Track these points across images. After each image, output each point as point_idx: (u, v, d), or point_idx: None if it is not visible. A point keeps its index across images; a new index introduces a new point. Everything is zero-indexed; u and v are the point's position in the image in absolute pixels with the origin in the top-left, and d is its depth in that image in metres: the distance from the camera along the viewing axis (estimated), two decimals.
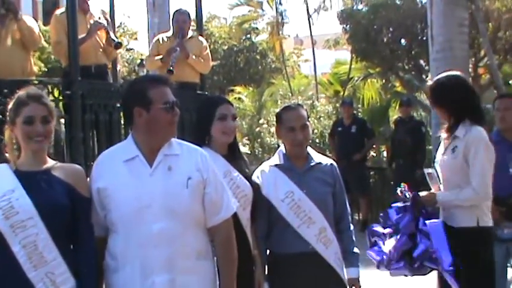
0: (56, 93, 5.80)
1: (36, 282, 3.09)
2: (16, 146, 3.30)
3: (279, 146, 4.39)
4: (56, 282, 3.13)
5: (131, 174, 3.29)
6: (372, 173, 12.64)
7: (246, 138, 14.84)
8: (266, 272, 4.09)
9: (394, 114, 14.79)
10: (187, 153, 3.39)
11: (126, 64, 25.92)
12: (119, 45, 7.38)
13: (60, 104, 5.87)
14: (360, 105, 15.76)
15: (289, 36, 30.83)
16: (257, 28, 29.31)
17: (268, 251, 4.15)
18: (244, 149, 13.22)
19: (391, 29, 14.77)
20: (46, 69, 20.08)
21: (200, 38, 8.11)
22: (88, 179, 3.41)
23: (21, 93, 3.28)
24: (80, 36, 6.27)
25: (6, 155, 3.33)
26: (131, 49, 28.62)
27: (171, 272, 3.23)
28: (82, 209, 3.28)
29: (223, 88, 24.50)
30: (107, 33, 7.17)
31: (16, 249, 3.09)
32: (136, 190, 3.24)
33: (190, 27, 8.15)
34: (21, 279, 3.07)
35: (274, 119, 4.28)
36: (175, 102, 3.32)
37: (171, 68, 7.13)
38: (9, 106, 3.29)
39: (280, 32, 25.08)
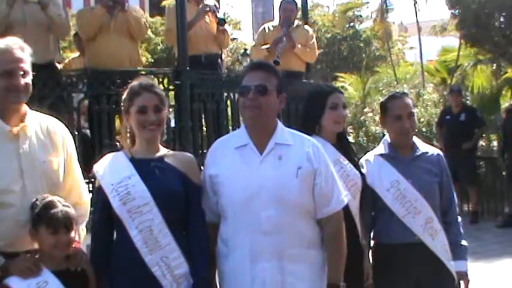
0: (166, 83, 5.95)
1: (152, 265, 3.20)
2: (130, 134, 3.41)
3: (383, 135, 4.33)
4: (171, 266, 3.22)
5: (242, 161, 3.34)
6: (481, 163, 12.22)
7: (351, 127, 14.66)
8: (370, 262, 4.06)
9: (505, 102, 14.22)
10: (299, 143, 3.39)
11: (230, 54, 26.20)
12: (222, 21, 7.36)
13: (170, 93, 6.02)
14: (468, 93, 15.24)
15: (393, 23, 30.22)
16: (361, 16, 28.92)
17: (372, 241, 4.12)
18: (348, 138, 13.06)
19: (503, 13, 14.14)
20: (152, 60, 20.62)
21: (306, 26, 8.10)
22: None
23: (134, 83, 3.38)
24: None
25: (118, 143, 3.44)
26: (235, 39, 28.92)
27: (281, 260, 3.25)
28: (194, 196, 3.36)
29: (326, 76, 24.31)
30: (215, 16, 7.24)
31: (133, 233, 3.21)
32: (246, 177, 3.29)
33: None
34: (139, 262, 3.19)
35: (379, 108, 4.21)
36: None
37: (278, 58, 7.15)
38: (123, 96, 3.40)
39: (385, 19, 24.60)
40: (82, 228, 3.42)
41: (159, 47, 22.47)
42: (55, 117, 3.51)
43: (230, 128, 6.74)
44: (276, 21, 8.12)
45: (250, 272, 3.26)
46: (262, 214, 3.24)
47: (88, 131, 6.72)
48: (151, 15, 23.09)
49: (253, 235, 3.25)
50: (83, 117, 6.47)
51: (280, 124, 3.43)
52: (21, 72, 3.20)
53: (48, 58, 5.86)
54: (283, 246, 3.26)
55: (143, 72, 5.88)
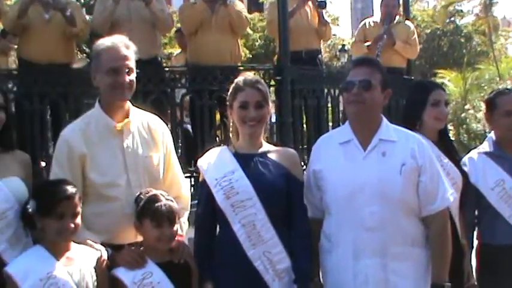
0: (267, 79, 5.97)
1: (255, 259, 3.21)
2: (234, 129, 3.43)
3: (485, 133, 4.19)
4: (273, 261, 3.22)
5: (345, 157, 3.30)
6: None
7: (451, 124, 14.31)
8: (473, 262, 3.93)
9: None
10: (403, 139, 3.33)
11: (328, 50, 26.08)
12: (323, 4, 7.24)
13: (271, 89, 6.03)
14: None
15: (497, 17, 29.23)
16: (461, 10, 28.15)
17: (476, 241, 4.00)
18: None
19: None
20: (251, 56, 20.79)
21: (407, 22, 7.95)
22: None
23: (239, 78, 3.39)
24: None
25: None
26: (333, 35, 28.79)
27: (384, 257, 3.20)
28: (296, 192, 3.34)
29: (425, 72, 23.84)
30: (316, 7, 7.18)
31: (236, 227, 3.22)
32: (350, 173, 3.25)
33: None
34: (242, 256, 3.21)
35: (481, 105, 4.07)
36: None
37: (378, 56, 7.06)
38: (229, 91, 3.42)
39: (489, 14, 23.83)
40: (184, 222, 3.47)
41: (257, 43, 22.65)
42: (158, 112, 3.59)
43: (330, 124, 6.70)
44: (377, 17, 8.01)
45: (353, 269, 3.22)
46: (365, 210, 3.20)
47: (189, 126, 6.85)
48: (250, 12, 23.26)
49: (357, 231, 3.22)
50: (184, 112, 6.59)
51: (385, 120, 3.37)
52: (126, 70, 3.27)
53: (153, 54, 6.00)
54: (386, 243, 3.21)
55: (247, 68, 5.92)
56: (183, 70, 6.18)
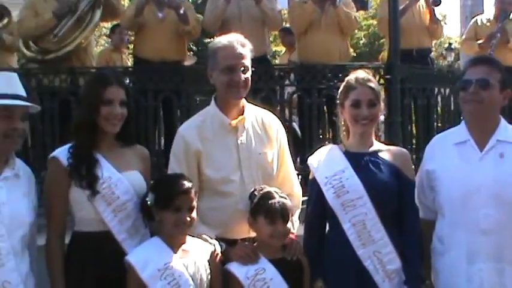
0: (376, 78, 5.90)
1: (365, 259, 3.19)
2: (345, 127, 3.42)
3: None
4: (383, 261, 3.19)
5: (460, 157, 3.22)
6: None
7: None
8: None
9: None
10: None
11: (434, 48, 25.49)
12: (438, 1, 7.11)
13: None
14: None
15: None
16: None
17: None
18: None
19: None
20: (355, 54, 20.61)
21: None
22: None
23: (350, 76, 3.38)
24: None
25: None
26: None
27: (499, 261, 3.11)
28: (408, 191, 3.29)
29: None
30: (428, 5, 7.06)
31: (346, 226, 3.21)
32: (465, 174, 3.17)
33: None
34: (352, 255, 3.19)
35: None
36: None
37: (490, 54, 6.82)
38: (340, 89, 3.41)
39: None
40: (295, 220, 3.49)
41: (361, 42, 22.44)
42: (268, 110, 3.62)
43: (439, 124, 6.55)
44: (489, 14, 7.74)
45: (466, 273, 3.15)
46: (480, 212, 3.11)
47: (294, 124, 6.87)
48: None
49: (471, 234, 3.14)
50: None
51: (503, 121, 3.27)
52: (242, 68, 3.31)
53: (262, 51, 6.07)
54: (502, 247, 3.11)
55: (352, 67, 5.87)
56: (292, 68, 6.21)
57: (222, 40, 3.37)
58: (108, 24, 11.17)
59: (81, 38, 5.89)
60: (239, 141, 3.36)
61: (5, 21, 7.19)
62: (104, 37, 16.21)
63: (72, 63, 5.88)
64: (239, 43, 3.33)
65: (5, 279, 2.84)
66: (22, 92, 3.00)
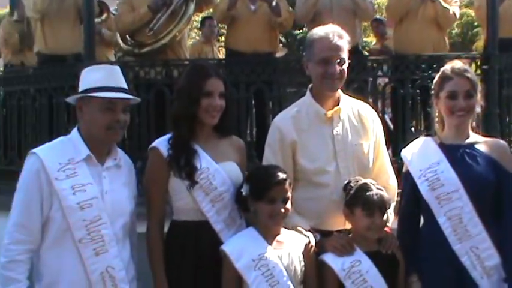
0: (473, 68, 5.75)
1: (461, 255, 3.12)
2: (440, 119, 3.35)
3: None
4: (481, 257, 3.12)
5: None
6: None
7: None
8: None
9: None
10: None
11: None
12: None
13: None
14: None
15: None
16: None
17: None
18: None
19: None
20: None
21: None
22: None
23: (446, 67, 3.30)
24: None
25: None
26: None
27: None
28: (507, 185, 3.19)
29: None
30: None
31: (441, 220, 3.15)
32: None
33: None
34: (448, 250, 3.14)
35: None
36: None
37: None
38: (435, 80, 3.35)
39: None
40: (390, 213, 3.45)
41: (453, 31, 21.85)
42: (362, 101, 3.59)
43: None
44: None
45: None
46: None
47: (386, 116, 6.78)
48: None
49: None
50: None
51: None
52: (338, 60, 3.29)
53: (354, 42, 6.01)
54: None
55: (448, 57, 5.73)
56: (385, 59, 6.12)
57: (319, 31, 3.35)
58: (198, 17, 11.35)
59: (175, 31, 6.00)
60: (335, 132, 3.34)
61: (104, 16, 7.45)
62: (195, 30, 16.46)
63: (167, 56, 6.01)
64: (336, 34, 3.31)
65: (108, 265, 2.95)
66: (123, 85, 3.08)
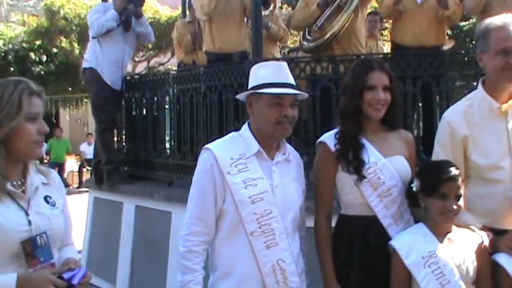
0: None
1: None
2: None
3: None
4: None
5: None
6: None
7: None
8: None
9: None
10: None
11: None
12: None
13: None
14: None
15: None
16: None
17: None
18: None
19: None
20: None
21: None
22: None
23: None
24: None
25: None
26: None
27: None
28: None
29: None
30: None
31: None
32: None
33: None
34: None
35: None
36: None
37: None
38: None
39: None
40: None
41: None
42: None
43: None
44: None
45: None
46: None
47: None
48: None
49: None
50: None
51: None
52: None
53: None
54: None
55: None
56: None
57: (494, 21, 3.19)
58: None
59: (337, 26, 6.02)
60: (509, 127, 3.18)
61: (271, 8, 7.60)
62: None
63: (333, 52, 6.04)
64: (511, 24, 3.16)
65: (279, 258, 3.01)
66: (291, 81, 3.12)
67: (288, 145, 3.25)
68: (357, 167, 3.16)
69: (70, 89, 22.52)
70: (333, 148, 3.24)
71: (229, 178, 3.02)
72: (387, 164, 3.19)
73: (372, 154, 3.19)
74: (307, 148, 5.15)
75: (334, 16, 6.05)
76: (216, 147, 3.12)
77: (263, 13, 6.53)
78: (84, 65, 7.25)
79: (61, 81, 21.73)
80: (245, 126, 3.19)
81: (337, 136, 3.26)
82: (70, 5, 19.63)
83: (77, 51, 19.61)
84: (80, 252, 7.73)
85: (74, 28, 19.37)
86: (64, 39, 19.86)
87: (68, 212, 2.78)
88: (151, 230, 6.56)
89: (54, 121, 23.74)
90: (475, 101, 3.28)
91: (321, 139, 3.33)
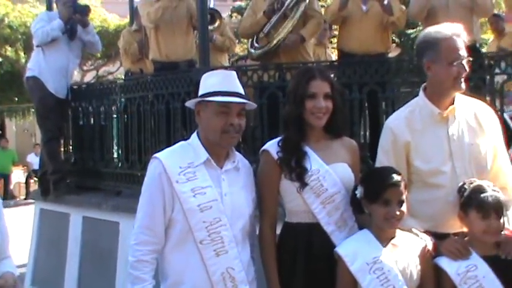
0: None
1: None
2: None
3: None
4: None
5: None
6: None
7: None
8: None
9: None
10: None
11: None
12: None
13: None
14: None
15: None
16: None
17: None
18: None
19: None
20: None
21: None
22: None
23: None
24: None
25: None
26: None
27: None
28: None
29: None
30: None
31: None
32: None
33: None
34: None
35: None
36: None
37: None
38: None
39: None
40: (510, 215, 3.29)
41: None
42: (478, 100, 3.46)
43: None
44: None
45: None
46: None
47: (505, 115, 6.50)
48: None
49: None
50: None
51: None
52: (465, 60, 3.19)
53: (471, 40, 5.79)
54: None
55: None
56: (503, 56, 5.87)
57: (442, 30, 3.24)
58: None
59: (283, 33, 6.06)
60: (450, 132, 3.24)
61: (216, 24, 7.66)
62: None
63: (279, 59, 6.06)
64: (459, 34, 3.21)
65: (228, 266, 3.00)
66: (239, 89, 3.11)
67: (237, 154, 3.24)
68: (299, 174, 3.17)
69: (16, 98, 22.11)
70: (275, 156, 3.24)
71: (177, 187, 3.00)
72: (330, 171, 3.20)
73: (314, 161, 3.20)
74: (255, 156, 5.10)
75: (280, 23, 6.08)
76: (165, 156, 3.10)
77: (209, 27, 6.52)
78: (28, 73, 7.14)
79: (6, 90, 21.33)
80: (194, 135, 3.18)
81: (280, 144, 3.26)
82: (15, 13, 19.34)
83: (22, 60, 19.25)
84: (25, 265, 7.63)
85: (20, 37, 19.08)
86: (9, 48, 19.54)
87: (5, 225, 2.70)
88: (99, 241, 6.47)
89: (0, 131, 23.27)
90: (416, 108, 3.33)
91: (264, 147, 3.34)
